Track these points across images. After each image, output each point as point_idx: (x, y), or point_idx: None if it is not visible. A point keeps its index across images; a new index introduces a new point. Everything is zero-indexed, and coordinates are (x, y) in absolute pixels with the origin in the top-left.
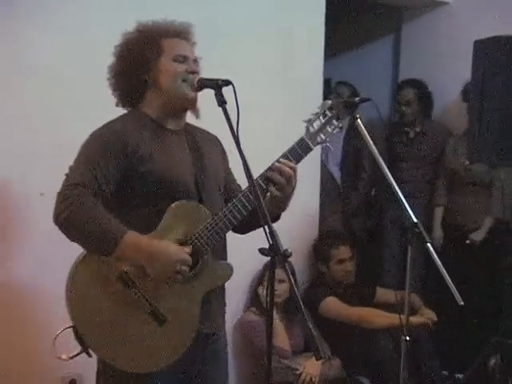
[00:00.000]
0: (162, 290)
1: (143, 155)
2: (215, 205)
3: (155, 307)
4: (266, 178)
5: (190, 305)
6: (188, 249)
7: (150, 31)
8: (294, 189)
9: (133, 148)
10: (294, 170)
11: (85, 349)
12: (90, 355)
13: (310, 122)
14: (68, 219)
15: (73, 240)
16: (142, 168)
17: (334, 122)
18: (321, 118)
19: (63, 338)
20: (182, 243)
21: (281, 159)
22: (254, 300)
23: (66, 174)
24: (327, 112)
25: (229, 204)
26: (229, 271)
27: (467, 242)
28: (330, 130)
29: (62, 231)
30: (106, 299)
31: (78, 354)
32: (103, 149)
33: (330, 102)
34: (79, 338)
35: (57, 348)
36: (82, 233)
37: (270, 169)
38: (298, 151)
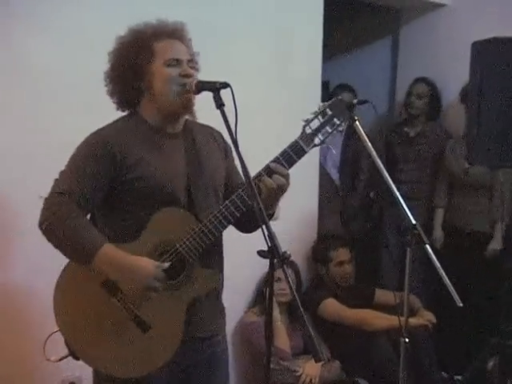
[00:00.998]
0: (145, 297)
1: (131, 163)
2: (208, 210)
3: (138, 315)
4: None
5: (175, 312)
6: (166, 263)
7: (142, 35)
8: (283, 193)
9: (121, 156)
10: (286, 178)
11: (71, 352)
12: (77, 358)
13: (307, 121)
14: (48, 228)
15: (55, 247)
16: (129, 175)
17: (335, 120)
18: (319, 117)
19: (55, 340)
20: (165, 251)
21: (271, 164)
22: (258, 300)
23: (55, 180)
24: (327, 111)
25: (215, 211)
26: (216, 279)
27: (487, 254)
28: (329, 129)
29: (46, 238)
30: (90, 306)
31: (65, 357)
32: (91, 157)
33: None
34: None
35: (48, 350)
36: (61, 243)
37: (259, 178)
38: (291, 155)
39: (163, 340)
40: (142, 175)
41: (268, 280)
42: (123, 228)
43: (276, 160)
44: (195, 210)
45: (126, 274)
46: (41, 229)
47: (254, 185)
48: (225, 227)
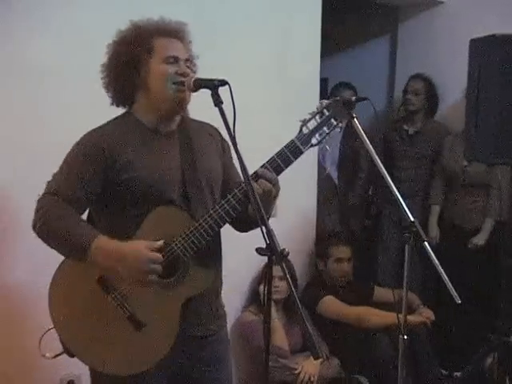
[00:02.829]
0: (140, 295)
1: (125, 163)
2: (204, 208)
3: (132, 313)
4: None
5: (169, 310)
6: (158, 244)
7: (143, 30)
8: (275, 197)
9: (114, 156)
10: (273, 182)
11: (66, 350)
12: (72, 356)
13: (304, 121)
14: (41, 229)
15: (50, 247)
16: (123, 175)
17: (333, 121)
18: (317, 117)
19: (51, 337)
20: (160, 250)
21: (259, 170)
22: (254, 298)
23: (48, 182)
24: (324, 111)
25: (210, 210)
26: (210, 278)
27: (469, 246)
28: (326, 130)
29: (40, 239)
30: (85, 303)
31: (60, 354)
32: (82, 158)
33: (327, 101)
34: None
35: (45, 347)
36: (54, 241)
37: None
38: (288, 155)
39: (157, 338)
40: (134, 176)
41: (265, 277)
42: (119, 227)
43: (272, 160)
44: (190, 208)
45: (123, 259)
46: (34, 230)
47: (252, 183)
48: (220, 227)
